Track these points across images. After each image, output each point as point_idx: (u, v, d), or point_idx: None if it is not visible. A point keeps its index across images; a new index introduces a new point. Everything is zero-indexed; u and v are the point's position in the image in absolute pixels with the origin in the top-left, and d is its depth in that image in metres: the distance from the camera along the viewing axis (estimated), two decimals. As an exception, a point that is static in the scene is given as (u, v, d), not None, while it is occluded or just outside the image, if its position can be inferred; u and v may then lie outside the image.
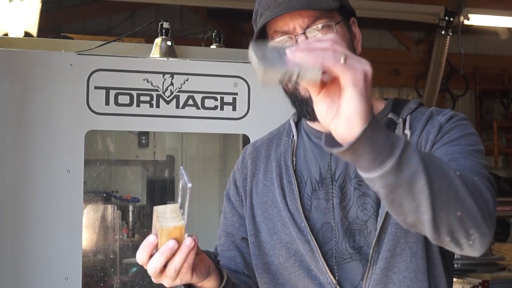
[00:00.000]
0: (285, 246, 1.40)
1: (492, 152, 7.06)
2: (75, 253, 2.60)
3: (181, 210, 1.16)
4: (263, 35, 1.40)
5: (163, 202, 3.40)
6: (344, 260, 1.36)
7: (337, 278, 1.35)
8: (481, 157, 1.29)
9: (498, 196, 1.42)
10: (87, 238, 3.09)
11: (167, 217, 1.15)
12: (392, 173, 1.00)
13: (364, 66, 0.99)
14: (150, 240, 1.16)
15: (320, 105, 1.02)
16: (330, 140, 1.01)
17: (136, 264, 3.28)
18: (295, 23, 1.34)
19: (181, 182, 1.17)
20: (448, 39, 5.78)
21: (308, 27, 1.34)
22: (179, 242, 1.14)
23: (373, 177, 1.01)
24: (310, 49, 0.98)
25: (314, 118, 1.34)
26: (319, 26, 1.34)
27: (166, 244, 1.14)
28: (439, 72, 6.06)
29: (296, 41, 1.33)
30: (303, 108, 1.38)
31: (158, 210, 1.16)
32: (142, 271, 3.27)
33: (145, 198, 3.34)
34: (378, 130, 1.00)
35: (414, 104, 1.43)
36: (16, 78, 2.62)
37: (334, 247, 1.37)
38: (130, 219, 3.24)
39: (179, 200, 1.17)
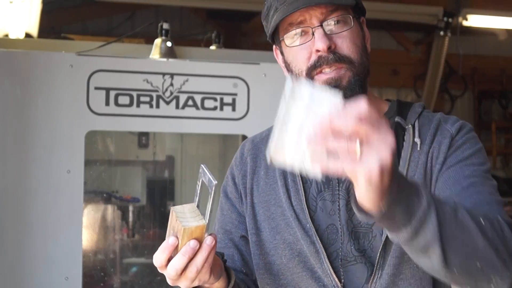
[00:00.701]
0: (288, 246, 1.38)
1: (491, 153, 7.06)
2: (75, 253, 2.61)
3: (198, 209, 1.15)
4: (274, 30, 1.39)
5: (163, 202, 3.41)
6: (348, 263, 1.35)
7: (342, 280, 1.34)
8: (491, 177, 1.32)
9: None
10: (87, 238, 3.10)
11: (187, 217, 1.13)
12: (406, 242, 1.07)
13: (382, 154, 0.94)
14: (170, 242, 1.13)
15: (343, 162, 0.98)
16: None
17: (136, 264, 3.30)
18: (312, 15, 1.32)
19: (201, 179, 1.14)
20: (446, 40, 5.79)
21: (325, 19, 1.33)
22: (200, 241, 1.13)
23: (390, 236, 1.09)
24: (328, 144, 0.94)
25: None
26: (336, 19, 1.33)
27: (188, 244, 1.12)
28: (438, 73, 6.07)
29: (313, 34, 1.32)
30: None
31: (176, 210, 1.14)
32: (142, 271, 3.28)
33: (145, 198, 3.35)
34: (394, 206, 1.01)
35: (420, 108, 1.43)
36: (17, 78, 2.63)
37: (338, 249, 1.36)
38: (130, 219, 3.25)
39: (196, 199, 1.15)
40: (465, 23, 5.52)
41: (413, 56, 6.97)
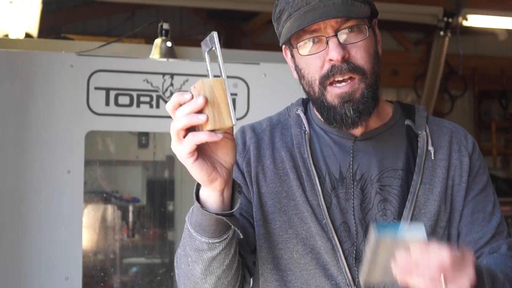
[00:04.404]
0: (301, 242, 1.37)
1: (491, 153, 7.06)
2: (76, 253, 2.61)
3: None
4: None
5: (163, 202, 3.41)
6: (361, 262, 1.34)
7: (357, 279, 1.34)
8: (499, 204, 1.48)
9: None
10: (87, 238, 3.10)
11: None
12: None
13: (464, 281, 1.12)
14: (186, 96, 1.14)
15: None
16: None
17: (136, 264, 3.30)
18: (327, 24, 1.31)
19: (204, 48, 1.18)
20: (446, 40, 5.78)
21: (340, 28, 1.31)
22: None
23: None
24: (417, 272, 1.10)
25: (341, 126, 1.35)
26: (351, 28, 1.32)
27: (195, 99, 1.13)
28: (438, 73, 6.06)
29: (327, 43, 1.31)
30: (330, 115, 1.35)
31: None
32: (142, 271, 3.28)
33: (145, 198, 3.35)
34: None
35: (424, 112, 1.47)
36: (17, 79, 2.63)
37: (351, 247, 1.36)
38: (130, 219, 3.25)
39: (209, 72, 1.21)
40: (465, 23, 5.51)
41: (413, 56, 6.97)
